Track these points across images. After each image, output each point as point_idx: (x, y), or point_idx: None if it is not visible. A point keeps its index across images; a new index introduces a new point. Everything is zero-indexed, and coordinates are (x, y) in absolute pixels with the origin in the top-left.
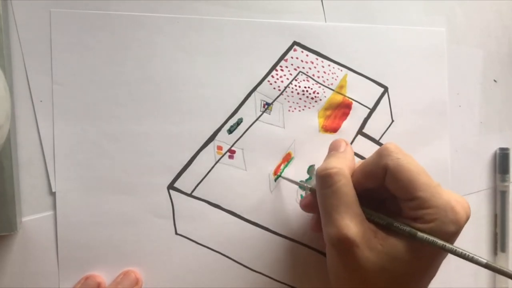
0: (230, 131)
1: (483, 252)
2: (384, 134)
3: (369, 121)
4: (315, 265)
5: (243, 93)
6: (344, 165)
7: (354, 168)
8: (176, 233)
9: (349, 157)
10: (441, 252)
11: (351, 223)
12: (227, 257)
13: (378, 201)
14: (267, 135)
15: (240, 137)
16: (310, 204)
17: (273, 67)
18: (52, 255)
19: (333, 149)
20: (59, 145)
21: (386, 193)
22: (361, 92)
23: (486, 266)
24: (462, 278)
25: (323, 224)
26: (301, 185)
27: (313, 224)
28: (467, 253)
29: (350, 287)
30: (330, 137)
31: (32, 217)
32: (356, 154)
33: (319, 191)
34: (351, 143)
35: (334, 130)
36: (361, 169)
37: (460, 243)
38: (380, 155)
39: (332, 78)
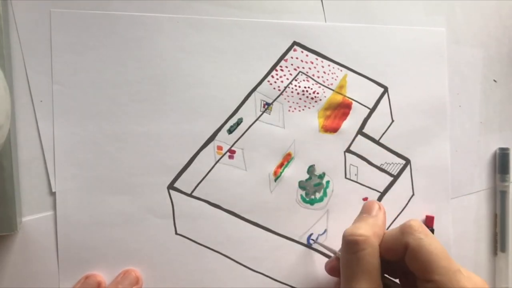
0: (230, 131)
1: (483, 252)
2: (384, 134)
3: (369, 121)
4: (315, 265)
5: (243, 93)
6: (372, 233)
7: (383, 234)
8: (176, 233)
9: (379, 223)
10: None
11: None
12: (227, 257)
13: (397, 273)
14: (267, 135)
15: (240, 137)
16: (335, 269)
17: (273, 67)
18: (52, 255)
19: (365, 211)
20: (59, 145)
21: (405, 267)
22: (361, 92)
23: None
24: None
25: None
26: (333, 252)
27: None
28: None
29: None
30: (330, 137)
31: (32, 217)
32: (357, 155)
33: (343, 255)
34: (351, 143)
35: (334, 130)
36: (383, 241)
37: (461, 244)
38: (403, 232)
39: (332, 78)
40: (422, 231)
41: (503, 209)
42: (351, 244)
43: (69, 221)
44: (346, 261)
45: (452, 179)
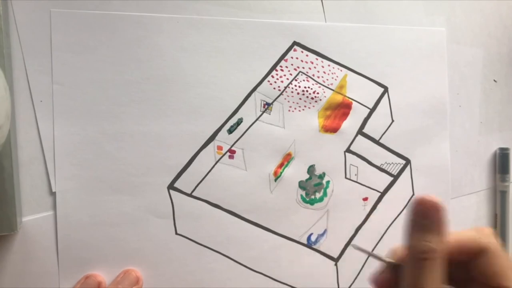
0: (230, 131)
1: None
2: (384, 134)
3: (369, 121)
4: (315, 265)
5: (243, 93)
6: (441, 243)
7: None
8: (176, 233)
9: (443, 229)
10: None
11: None
12: (227, 257)
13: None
14: (267, 135)
15: (240, 137)
16: (387, 284)
17: (273, 67)
18: (52, 255)
19: (423, 215)
20: (59, 145)
21: (463, 274)
22: (361, 92)
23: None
24: None
25: None
26: (379, 259)
27: None
28: None
29: None
30: (330, 137)
31: (32, 217)
32: (357, 155)
33: (410, 271)
34: (351, 143)
35: (334, 130)
36: (455, 239)
37: None
38: (480, 233)
39: (332, 78)
40: (495, 238)
41: (503, 209)
42: (418, 263)
43: (69, 221)
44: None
45: (452, 179)
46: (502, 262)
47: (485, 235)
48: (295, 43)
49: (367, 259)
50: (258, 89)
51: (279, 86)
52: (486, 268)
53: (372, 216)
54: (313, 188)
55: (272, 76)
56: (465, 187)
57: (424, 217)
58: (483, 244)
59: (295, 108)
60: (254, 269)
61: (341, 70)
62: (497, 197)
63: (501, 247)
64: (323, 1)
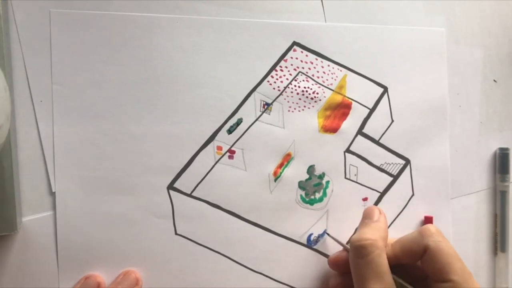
0: (230, 131)
1: (483, 252)
2: (384, 134)
3: (369, 121)
4: (315, 265)
5: (242, 93)
6: (378, 236)
7: (387, 237)
8: (176, 233)
9: (383, 227)
10: None
11: None
12: (227, 257)
13: (408, 279)
14: (267, 135)
15: (240, 137)
16: (339, 262)
17: (273, 67)
18: (52, 255)
19: (367, 217)
20: (59, 145)
21: (417, 272)
22: (361, 92)
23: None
24: None
25: None
26: (342, 245)
27: (334, 284)
28: None
29: None
30: (330, 137)
31: (32, 217)
32: (357, 155)
33: (353, 260)
34: (351, 143)
35: (334, 130)
36: (400, 244)
37: (461, 244)
38: (422, 235)
39: (332, 78)
40: (439, 235)
41: (503, 209)
42: (359, 249)
43: (69, 221)
44: (356, 266)
45: (452, 179)
46: (443, 258)
47: (426, 235)
48: (294, 43)
49: None
50: (258, 89)
51: (278, 86)
52: (430, 266)
53: None
54: (312, 188)
55: (272, 76)
56: (465, 187)
57: (365, 217)
58: (423, 244)
59: (294, 108)
60: (254, 269)
61: (340, 70)
62: (497, 197)
63: (443, 242)
64: (323, 1)
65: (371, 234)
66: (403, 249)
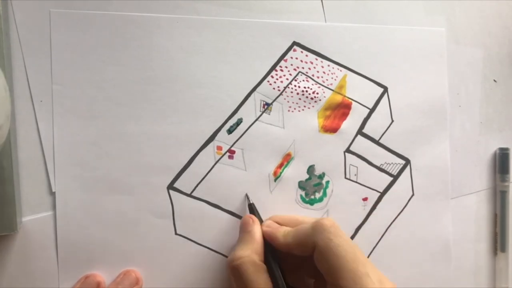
0: (230, 131)
1: (483, 252)
2: (384, 134)
3: (369, 121)
4: None
5: (242, 93)
6: (250, 250)
7: (261, 246)
8: (176, 233)
9: (256, 238)
10: None
11: None
12: (227, 257)
13: (313, 272)
14: (267, 135)
15: (240, 137)
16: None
17: (273, 67)
18: (52, 255)
19: (240, 229)
20: (59, 145)
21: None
22: (361, 92)
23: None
24: (462, 278)
25: None
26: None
27: None
28: None
29: None
30: (330, 137)
31: (32, 217)
32: (357, 155)
33: (232, 281)
34: (351, 143)
35: (334, 130)
36: (294, 234)
37: (461, 244)
38: (314, 230)
39: (332, 78)
40: (332, 232)
41: (503, 209)
42: (233, 271)
43: (69, 221)
44: (237, 286)
45: (452, 179)
46: (331, 259)
47: (317, 231)
48: (294, 43)
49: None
50: (258, 89)
51: (278, 86)
52: (320, 265)
53: (372, 216)
54: (312, 188)
55: (272, 76)
56: (465, 187)
57: (240, 229)
58: (313, 240)
59: (294, 108)
60: None
61: (340, 70)
62: (497, 197)
63: (334, 241)
64: (323, 1)
65: (243, 249)
66: (295, 240)
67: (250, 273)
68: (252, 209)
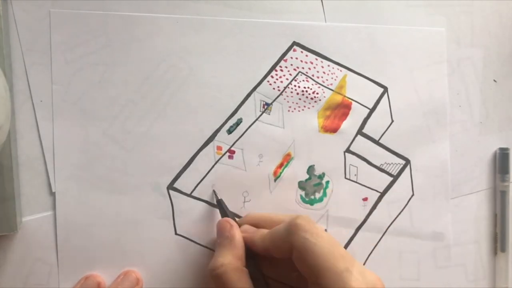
0: (230, 131)
1: (483, 252)
2: (384, 134)
3: (369, 121)
4: None
5: (242, 93)
6: (231, 257)
7: (242, 251)
8: (176, 233)
9: (236, 243)
10: None
11: None
12: None
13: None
14: (266, 135)
15: (240, 137)
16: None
17: (273, 67)
18: (52, 255)
19: (218, 235)
20: (59, 145)
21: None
22: (361, 92)
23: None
24: (462, 278)
25: None
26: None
27: None
28: None
29: None
30: (330, 137)
31: (32, 217)
32: (357, 155)
33: None
34: (351, 143)
35: (334, 130)
36: (270, 237)
37: (461, 244)
38: (288, 231)
39: (332, 78)
40: (308, 230)
41: (503, 209)
42: (215, 280)
43: (69, 221)
44: None
45: (452, 179)
46: (309, 259)
47: (291, 231)
48: (294, 43)
49: (367, 258)
50: (258, 89)
51: (278, 86)
52: (300, 266)
53: (372, 216)
54: (312, 188)
55: (272, 76)
56: (465, 187)
57: (217, 235)
58: (289, 242)
59: (294, 108)
60: None
61: (340, 70)
62: (497, 197)
63: (310, 240)
64: (323, 1)
65: (224, 256)
66: (273, 244)
67: (234, 281)
68: (221, 205)
